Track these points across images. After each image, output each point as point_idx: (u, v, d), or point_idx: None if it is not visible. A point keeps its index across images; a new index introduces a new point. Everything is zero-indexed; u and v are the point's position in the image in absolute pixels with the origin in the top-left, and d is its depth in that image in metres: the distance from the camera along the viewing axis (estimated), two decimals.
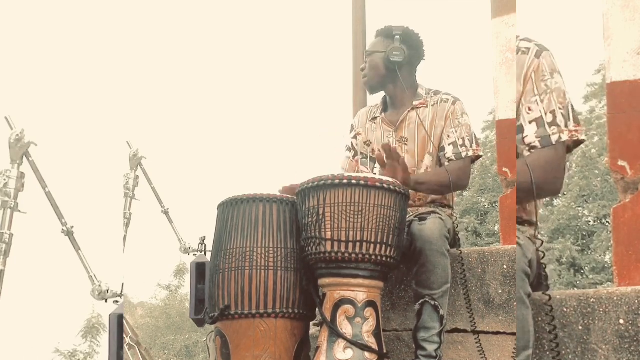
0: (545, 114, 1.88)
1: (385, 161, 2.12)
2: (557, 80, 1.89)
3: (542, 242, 1.80)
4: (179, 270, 21.45)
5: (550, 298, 1.79)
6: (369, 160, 2.60)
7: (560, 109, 1.87)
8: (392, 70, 2.50)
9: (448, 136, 2.44)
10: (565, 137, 1.87)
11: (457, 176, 2.36)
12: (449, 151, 2.42)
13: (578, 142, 1.94)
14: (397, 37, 2.48)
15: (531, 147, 1.89)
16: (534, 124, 1.89)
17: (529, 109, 1.90)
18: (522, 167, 1.82)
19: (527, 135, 1.89)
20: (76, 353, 18.49)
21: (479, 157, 2.48)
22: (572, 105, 1.90)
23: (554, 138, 1.86)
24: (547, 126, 1.87)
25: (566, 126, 1.87)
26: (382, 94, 2.67)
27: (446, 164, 2.42)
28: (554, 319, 1.85)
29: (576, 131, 1.89)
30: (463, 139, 2.43)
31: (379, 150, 2.50)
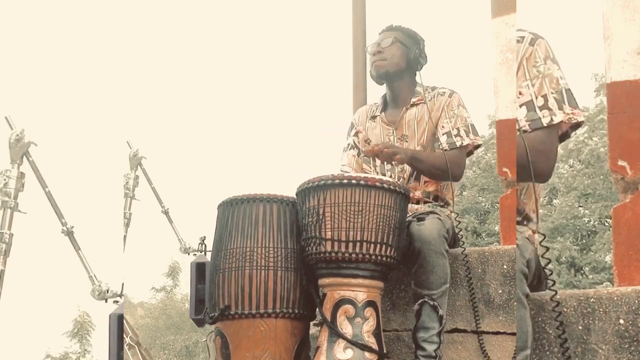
0: (536, 97, 1.87)
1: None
2: (549, 67, 1.88)
3: (545, 237, 1.77)
4: (172, 270, 21.44)
5: (556, 293, 1.78)
6: (370, 159, 2.60)
7: (552, 93, 1.86)
8: (410, 69, 2.52)
9: (442, 127, 2.43)
10: (558, 119, 1.85)
11: (451, 166, 2.35)
12: (443, 141, 2.41)
13: (577, 125, 1.91)
14: (423, 43, 2.53)
15: (522, 132, 1.86)
16: (524, 107, 1.88)
17: (520, 94, 1.89)
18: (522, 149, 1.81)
19: (518, 120, 1.88)
20: (68, 355, 18.45)
21: (478, 146, 2.46)
22: (568, 90, 1.88)
23: (545, 120, 1.85)
24: (537, 109, 1.86)
25: (560, 109, 1.85)
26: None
27: None
28: (560, 314, 1.85)
29: (573, 113, 1.86)
30: (458, 129, 2.41)
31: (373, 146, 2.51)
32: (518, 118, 1.88)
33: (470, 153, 2.50)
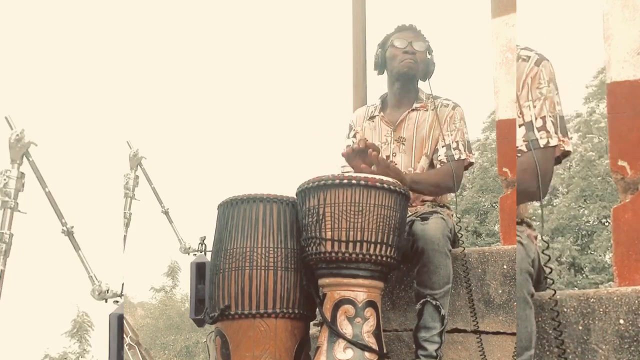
0: (536, 119, 1.91)
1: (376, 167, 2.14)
2: (551, 90, 1.92)
3: (548, 245, 1.78)
4: (171, 270, 21.43)
5: (555, 293, 1.79)
6: None
7: (550, 117, 1.90)
8: (422, 77, 2.55)
9: (443, 139, 2.45)
10: (554, 142, 1.89)
11: (449, 178, 2.36)
12: (442, 153, 2.43)
13: (565, 154, 1.96)
14: (432, 55, 2.56)
15: (518, 152, 1.91)
16: (523, 128, 1.91)
17: (520, 113, 1.93)
18: (519, 167, 1.84)
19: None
20: (67, 355, 18.43)
21: (470, 164, 2.50)
22: (562, 117, 1.93)
23: (542, 142, 1.88)
24: (535, 130, 1.90)
25: (556, 133, 1.89)
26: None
27: (438, 166, 2.43)
28: (559, 314, 1.85)
29: (563, 142, 1.91)
30: (457, 142, 2.44)
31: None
32: (517, 137, 1.92)
33: (465, 169, 2.52)
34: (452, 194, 2.56)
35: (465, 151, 2.44)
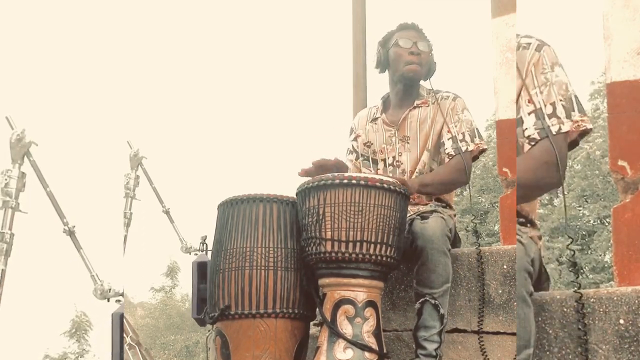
0: (545, 105, 1.85)
1: None
2: (557, 73, 1.86)
3: (573, 240, 1.77)
4: (170, 270, 21.40)
5: (581, 296, 1.79)
6: (370, 162, 2.59)
7: (561, 100, 1.84)
8: (426, 75, 2.54)
9: (448, 131, 2.42)
10: (566, 127, 1.83)
11: (459, 172, 2.34)
12: (449, 146, 2.40)
13: (584, 133, 1.88)
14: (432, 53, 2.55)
15: (530, 140, 1.86)
16: (532, 115, 1.86)
17: (528, 101, 1.87)
18: (522, 163, 1.82)
19: (526, 128, 1.87)
20: (67, 355, 18.41)
21: (483, 150, 2.44)
22: (576, 96, 1.86)
23: (554, 129, 1.83)
24: (546, 118, 1.84)
25: (568, 117, 1.83)
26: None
27: (446, 159, 2.42)
28: (585, 317, 1.85)
29: (582, 120, 1.84)
30: (463, 133, 2.40)
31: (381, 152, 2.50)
32: (526, 126, 1.86)
33: (475, 157, 2.46)
34: (453, 193, 2.57)
35: (472, 142, 2.40)
